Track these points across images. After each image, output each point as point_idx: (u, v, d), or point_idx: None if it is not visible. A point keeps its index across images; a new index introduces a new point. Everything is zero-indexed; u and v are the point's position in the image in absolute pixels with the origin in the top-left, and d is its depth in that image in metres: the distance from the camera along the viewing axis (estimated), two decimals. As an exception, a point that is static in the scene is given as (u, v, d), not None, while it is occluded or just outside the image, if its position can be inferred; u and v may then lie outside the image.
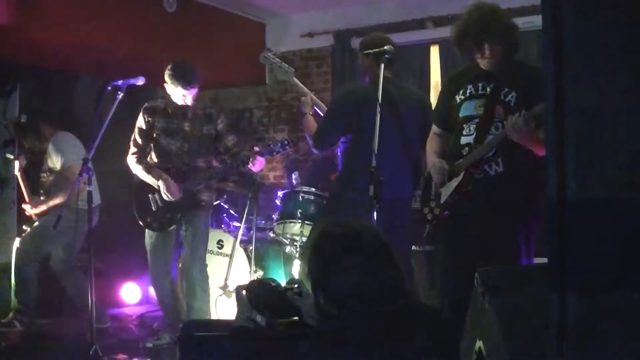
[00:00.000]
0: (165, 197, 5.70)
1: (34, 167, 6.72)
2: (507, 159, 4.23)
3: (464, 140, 4.39)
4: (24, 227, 6.55)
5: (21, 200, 6.82)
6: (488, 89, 4.33)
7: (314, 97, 5.72)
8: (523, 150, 4.12)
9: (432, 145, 4.74)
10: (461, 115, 4.42)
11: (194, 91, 5.68)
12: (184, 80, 5.60)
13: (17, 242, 6.44)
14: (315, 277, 2.39)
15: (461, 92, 4.44)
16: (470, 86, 4.40)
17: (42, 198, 6.51)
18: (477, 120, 4.33)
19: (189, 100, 5.69)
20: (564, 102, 1.74)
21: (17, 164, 6.70)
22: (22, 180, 6.71)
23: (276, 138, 5.68)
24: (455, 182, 4.40)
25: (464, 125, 4.39)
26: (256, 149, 5.58)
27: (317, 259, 2.39)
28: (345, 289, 2.29)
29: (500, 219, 4.25)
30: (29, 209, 6.54)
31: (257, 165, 5.58)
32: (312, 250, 2.44)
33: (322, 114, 5.54)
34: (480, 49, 4.29)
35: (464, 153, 4.34)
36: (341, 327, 2.28)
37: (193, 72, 5.67)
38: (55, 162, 6.42)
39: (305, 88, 5.76)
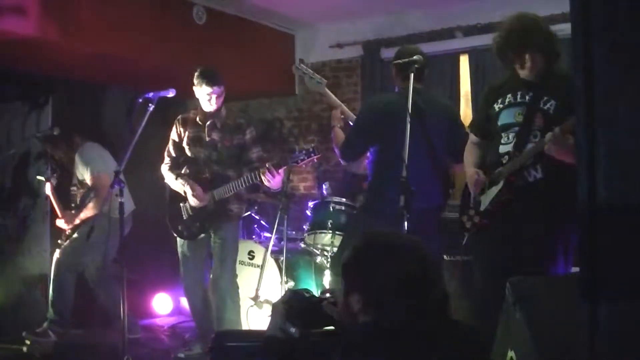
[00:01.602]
0: (192, 202, 5.75)
1: (64, 180, 6.77)
2: (546, 165, 4.21)
3: (502, 148, 4.39)
4: (59, 241, 6.60)
5: (54, 215, 6.88)
6: (527, 98, 4.32)
7: (345, 108, 5.72)
8: None
9: (469, 155, 4.74)
10: (500, 123, 4.41)
11: (218, 91, 5.70)
12: (207, 78, 5.67)
13: (57, 254, 6.50)
14: (353, 279, 2.38)
15: (500, 100, 4.44)
16: (509, 95, 4.41)
17: (73, 212, 6.57)
18: (516, 128, 4.33)
19: (214, 102, 5.71)
20: (594, 109, 1.73)
21: (48, 185, 6.76)
22: (54, 198, 6.77)
23: (304, 146, 5.63)
24: (495, 191, 4.39)
25: (503, 134, 4.40)
26: (267, 165, 5.55)
27: (358, 262, 2.38)
28: (385, 293, 2.27)
29: (539, 226, 4.24)
30: (63, 225, 6.61)
31: (270, 181, 5.52)
32: (355, 254, 2.42)
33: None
34: (521, 59, 4.30)
35: (504, 161, 4.34)
36: (371, 332, 2.27)
37: (217, 73, 5.76)
38: (83, 173, 6.49)
39: (336, 100, 5.76)
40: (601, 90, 1.73)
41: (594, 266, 1.72)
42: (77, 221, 6.49)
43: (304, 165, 5.74)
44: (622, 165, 1.71)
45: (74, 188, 6.64)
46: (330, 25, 8.64)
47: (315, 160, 5.67)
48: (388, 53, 8.08)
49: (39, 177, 6.98)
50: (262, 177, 5.49)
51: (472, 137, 4.78)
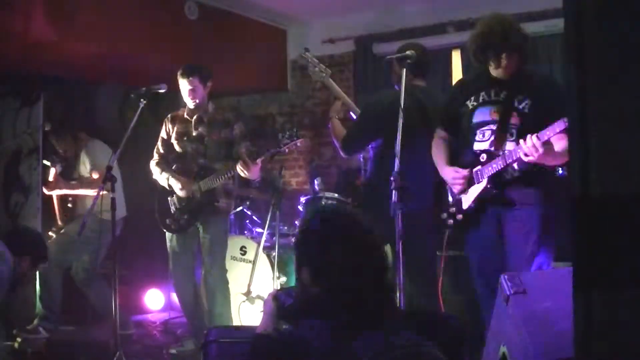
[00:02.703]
0: (179, 194, 5.76)
1: (65, 174, 6.74)
2: (523, 162, 4.25)
3: (478, 146, 4.42)
4: (50, 233, 6.58)
5: (45, 211, 6.85)
6: (501, 96, 4.37)
7: (348, 100, 5.70)
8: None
9: (440, 152, 4.75)
10: (474, 121, 4.46)
11: (193, 82, 5.71)
12: (183, 71, 5.69)
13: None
14: (301, 255, 2.50)
15: (473, 98, 4.49)
16: (482, 93, 4.45)
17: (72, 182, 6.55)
18: (492, 126, 4.38)
19: (193, 96, 5.71)
20: (586, 103, 1.74)
21: (53, 171, 6.70)
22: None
23: (285, 130, 5.56)
24: (477, 189, 4.42)
25: (477, 131, 4.43)
26: (242, 150, 5.54)
27: (309, 237, 2.49)
28: (331, 269, 2.37)
29: (519, 223, 4.29)
30: (50, 190, 6.55)
31: (244, 171, 5.49)
32: (302, 232, 2.56)
33: (355, 118, 5.54)
34: (497, 59, 4.33)
35: (482, 160, 4.37)
36: (317, 304, 2.39)
37: (195, 67, 5.76)
38: (87, 168, 6.46)
39: (339, 91, 5.73)
40: (594, 82, 1.73)
41: (587, 255, 1.72)
42: (67, 190, 6.47)
43: (286, 150, 5.65)
44: (616, 157, 1.71)
45: (74, 182, 6.62)
46: (323, 20, 8.63)
47: (299, 144, 5.60)
48: (380, 48, 8.09)
49: (45, 162, 6.92)
50: (238, 168, 5.47)
51: (441, 133, 4.80)
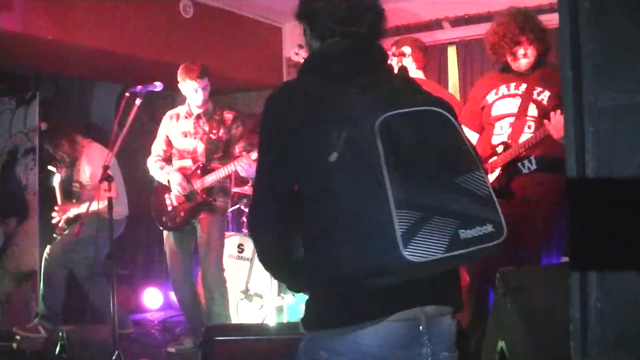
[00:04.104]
0: (175, 192, 5.75)
1: (66, 180, 6.72)
2: (540, 157, 4.26)
3: (497, 139, 4.44)
4: (54, 235, 6.55)
5: (43, 211, 6.84)
6: (521, 89, 4.38)
7: None
8: (555, 148, 4.15)
9: None
10: (494, 113, 4.47)
11: (202, 84, 5.71)
12: (191, 72, 5.69)
13: (47, 249, 6.46)
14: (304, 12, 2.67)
15: (493, 92, 4.50)
16: (503, 86, 4.46)
17: (74, 201, 6.53)
18: (510, 119, 4.38)
19: (200, 95, 5.73)
20: (581, 93, 1.75)
21: (58, 176, 6.68)
22: (60, 190, 6.70)
23: None
24: (490, 179, 4.42)
25: (496, 124, 4.44)
26: (244, 152, 5.55)
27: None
28: (328, 21, 2.54)
29: (533, 216, 4.29)
30: (57, 215, 6.54)
31: (242, 167, 5.49)
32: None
33: None
34: (516, 52, 4.34)
35: (499, 151, 4.38)
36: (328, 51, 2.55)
37: (200, 66, 5.75)
38: (87, 173, 6.45)
39: None
40: (589, 76, 1.74)
41: (583, 238, 1.73)
42: (70, 213, 6.45)
43: None
44: (608, 143, 1.72)
45: (77, 185, 6.61)
46: (318, 17, 8.61)
47: None
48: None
49: (50, 167, 6.89)
50: (237, 166, 5.47)
51: (465, 130, 4.80)
